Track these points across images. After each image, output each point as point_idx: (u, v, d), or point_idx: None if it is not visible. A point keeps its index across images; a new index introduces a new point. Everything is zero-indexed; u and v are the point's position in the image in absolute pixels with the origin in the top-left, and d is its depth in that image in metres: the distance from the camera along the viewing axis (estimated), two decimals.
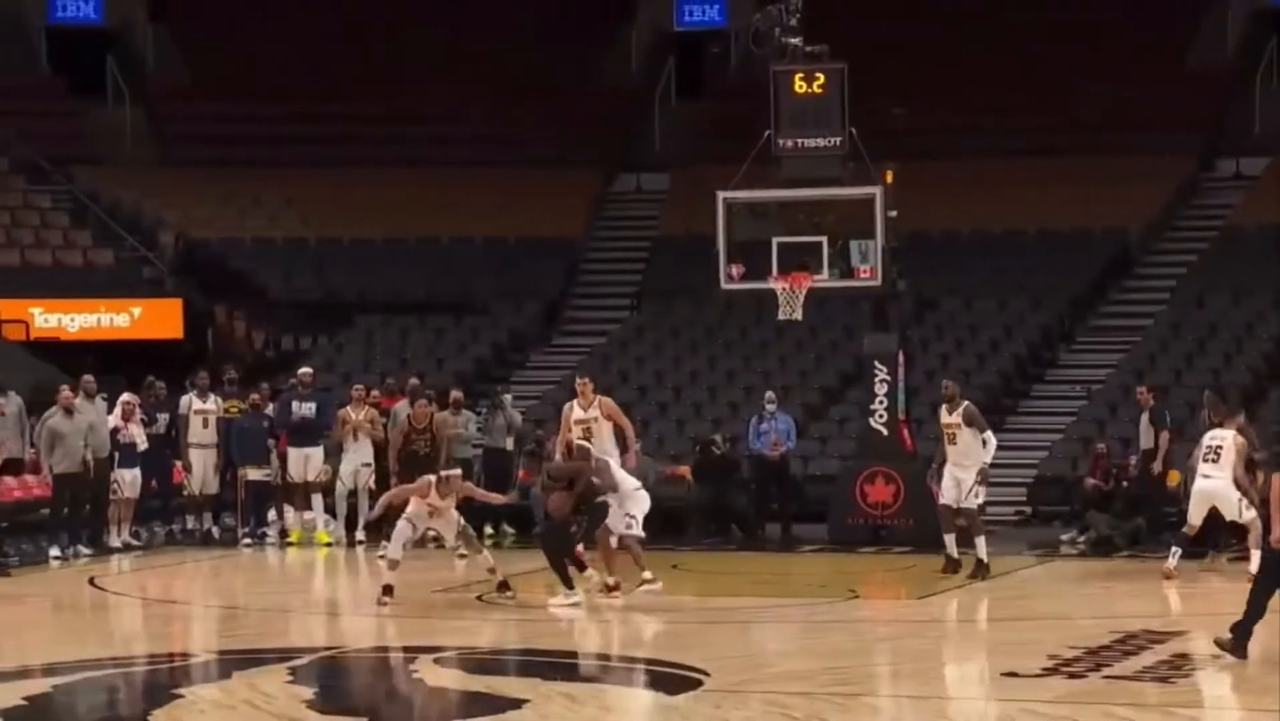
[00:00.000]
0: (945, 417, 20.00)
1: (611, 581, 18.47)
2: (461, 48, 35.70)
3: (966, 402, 20.17)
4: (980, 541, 19.75)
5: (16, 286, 30.68)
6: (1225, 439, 19.20)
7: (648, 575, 18.34)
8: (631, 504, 18.54)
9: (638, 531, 18.52)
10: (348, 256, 32.70)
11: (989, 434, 19.88)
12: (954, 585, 20.03)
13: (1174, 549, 19.43)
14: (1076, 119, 32.13)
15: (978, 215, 31.04)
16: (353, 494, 23.65)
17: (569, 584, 18.16)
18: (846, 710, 13.03)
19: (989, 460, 19.91)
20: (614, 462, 19.01)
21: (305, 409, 23.72)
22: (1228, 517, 19.38)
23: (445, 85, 35.08)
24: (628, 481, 18.73)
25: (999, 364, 28.61)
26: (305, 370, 24.80)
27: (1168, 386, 26.89)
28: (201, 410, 23.90)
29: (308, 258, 32.73)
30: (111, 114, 35.80)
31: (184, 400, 23.96)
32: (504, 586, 18.43)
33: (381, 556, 21.26)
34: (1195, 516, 19.36)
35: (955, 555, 19.82)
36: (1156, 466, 22.38)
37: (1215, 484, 19.06)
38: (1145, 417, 22.85)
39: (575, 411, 19.94)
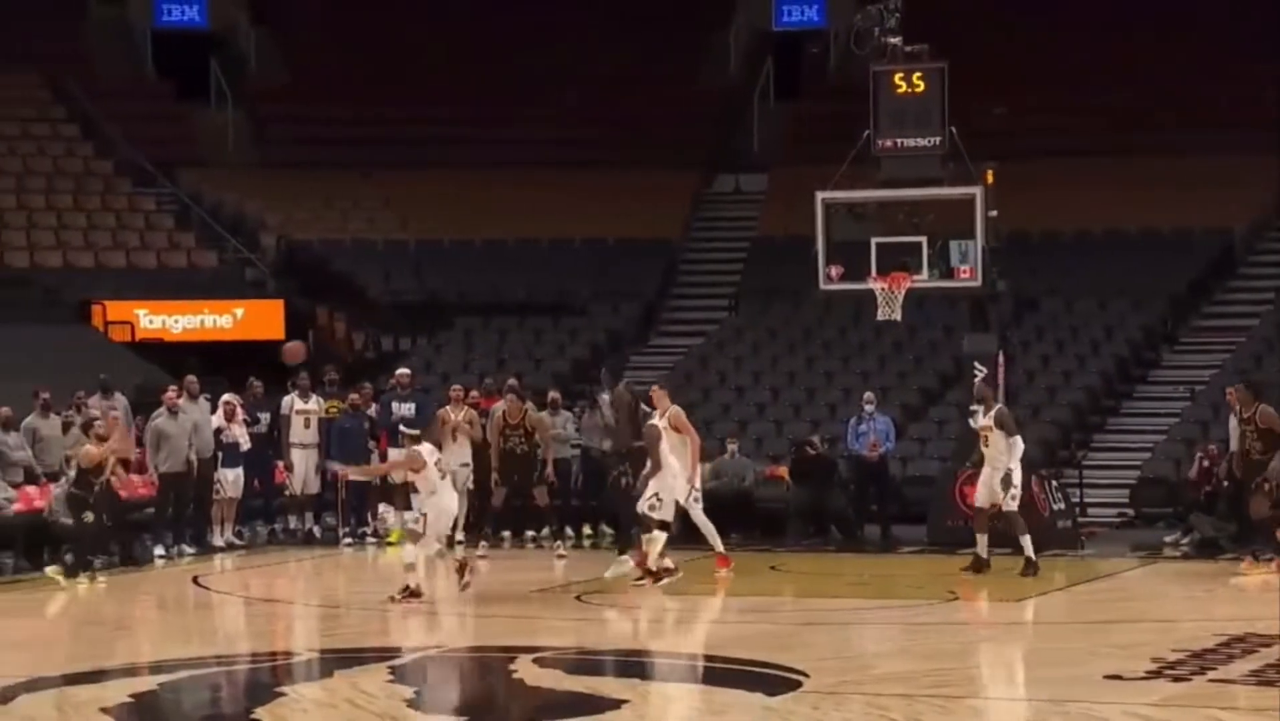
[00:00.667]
0: (980, 420, 20.13)
1: (669, 564, 18.79)
2: (561, 49, 35.80)
3: (999, 405, 20.47)
4: (1026, 540, 19.86)
5: (123, 288, 31.03)
6: None
7: (667, 564, 18.75)
8: (663, 488, 18.71)
9: (661, 515, 18.75)
10: (447, 258, 32.86)
11: (1017, 438, 20.15)
12: (1054, 587, 19.90)
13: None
14: (1179, 118, 31.83)
15: (1079, 215, 30.81)
16: None
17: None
18: (947, 712, 12.96)
19: (1014, 465, 20.08)
20: (673, 459, 18.97)
21: (404, 409, 23.85)
22: None
23: (544, 86, 35.19)
24: (672, 465, 18.74)
25: (1100, 365, 28.39)
26: (403, 371, 24.94)
27: (1277, 385, 26.57)
28: (303, 410, 24.08)
29: (407, 259, 32.92)
30: (215, 116, 36.17)
31: (285, 400, 24.15)
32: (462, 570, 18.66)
33: (482, 556, 21.41)
34: None
35: (984, 556, 19.98)
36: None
37: None
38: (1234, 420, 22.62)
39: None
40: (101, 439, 20.34)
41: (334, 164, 33.71)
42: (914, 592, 19.62)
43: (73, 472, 20.46)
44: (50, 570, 20.22)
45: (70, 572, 20.00)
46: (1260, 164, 30.59)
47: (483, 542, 22.48)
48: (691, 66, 36.23)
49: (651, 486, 19.00)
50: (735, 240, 33.41)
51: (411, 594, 18.28)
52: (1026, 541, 19.92)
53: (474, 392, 24.75)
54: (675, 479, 19.06)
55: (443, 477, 18.69)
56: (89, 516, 20.16)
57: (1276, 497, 19.92)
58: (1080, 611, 17.62)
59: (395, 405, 23.93)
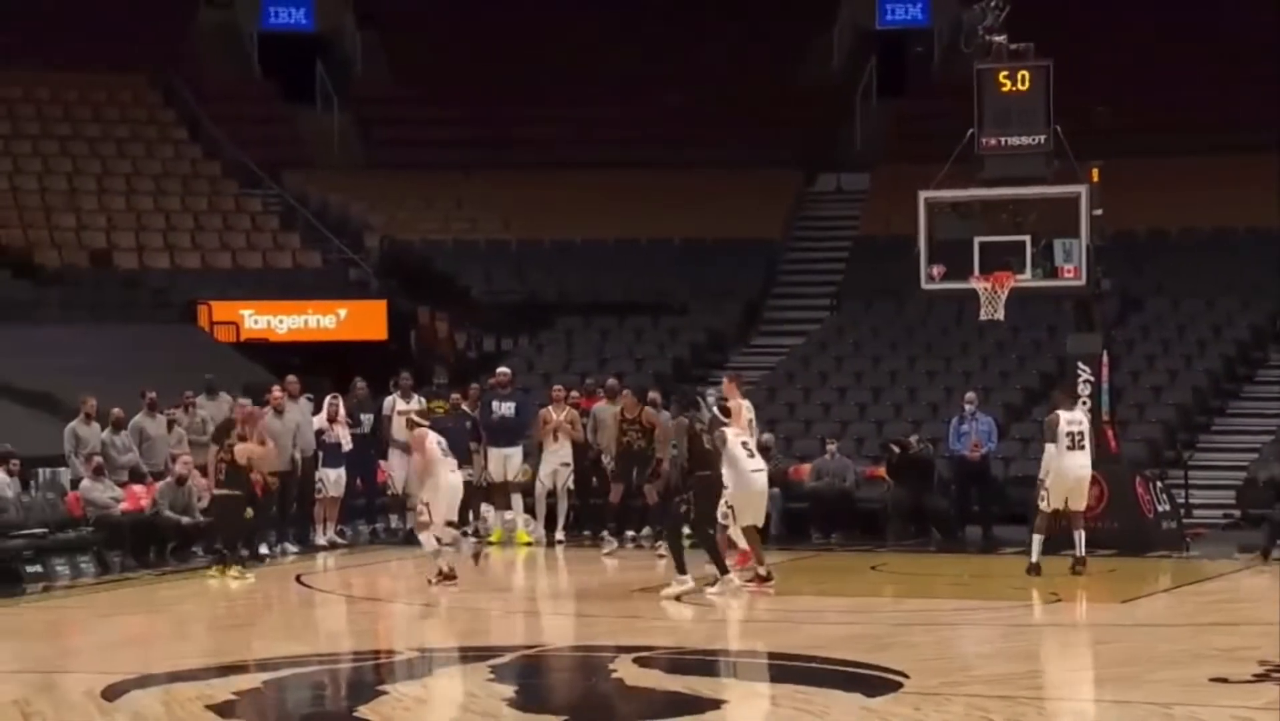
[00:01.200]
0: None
1: (762, 571, 18.64)
2: (664, 47, 35.83)
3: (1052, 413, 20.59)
4: (1035, 540, 20.00)
5: (228, 288, 31.34)
6: None
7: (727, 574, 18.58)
8: (733, 496, 18.51)
9: (740, 522, 18.65)
10: (548, 257, 32.96)
11: (1050, 445, 20.25)
12: (1159, 589, 19.72)
13: None
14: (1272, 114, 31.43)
15: (1185, 213, 30.53)
16: (552, 494, 23.83)
17: (681, 567, 18.31)
18: (1047, 715, 12.88)
19: (1043, 474, 20.31)
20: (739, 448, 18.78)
21: (505, 409, 23.94)
22: None
23: (647, 85, 35.24)
24: (743, 461, 18.54)
25: (1207, 364, 28.10)
26: (503, 370, 25.05)
27: None
28: (405, 410, 24.18)
29: (509, 259, 33.04)
30: (320, 118, 36.48)
31: (387, 401, 24.29)
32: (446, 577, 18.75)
33: (609, 554, 21.47)
34: None
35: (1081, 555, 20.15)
36: None
37: None
38: None
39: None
40: (243, 438, 20.58)
41: (436, 165, 33.92)
42: (1015, 594, 19.50)
43: (218, 470, 20.63)
44: (212, 571, 20.45)
45: (231, 562, 20.24)
46: None
47: (619, 540, 22.67)
48: (795, 65, 36.17)
49: (723, 498, 18.66)
50: (837, 239, 33.32)
51: (445, 577, 18.68)
52: (1035, 541, 20.12)
53: (574, 393, 24.84)
54: (753, 473, 18.83)
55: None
56: (249, 512, 20.53)
57: None
58: (1185, 614, 17.46)
59: (495, 404, 24.03)
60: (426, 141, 34.62)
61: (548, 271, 32.57)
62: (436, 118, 35.18)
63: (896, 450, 24.41)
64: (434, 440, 19.18)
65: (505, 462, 23.80)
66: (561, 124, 34.70)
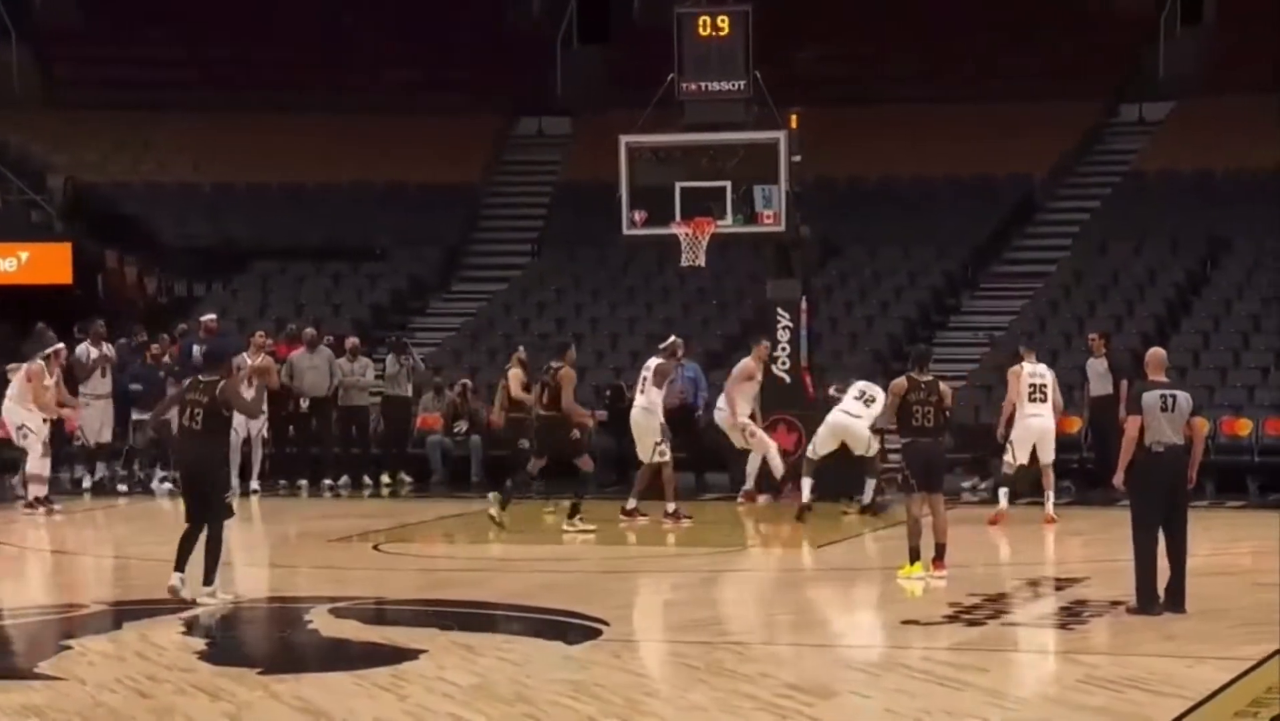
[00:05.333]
0: None
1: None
2: None
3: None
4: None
5: None
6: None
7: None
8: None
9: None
10: (243, 202, 32.20)
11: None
12: (854, 533, 19.96)
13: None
14: (982, 65, 32.05)
15: (884, 161, 30.90)
16: (246, 442, 23.28)
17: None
18: (746, 659, 12.88)
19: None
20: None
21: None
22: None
23: (342, 28, 34.57)
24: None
25: (903, 311, 28.53)
26: (210, 316, 24.46)
27: (1070, 334, 26.92)
28: (99, 359, 23.49)
29: (201, 202, 32.19)
30: None
31: (81, 349, 23.51)
32: None
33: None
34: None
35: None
36: (1122, 412, 22.38)
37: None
38: (1102, 364, 22.84)
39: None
40: None
41: (124, 105, 32.81)
42: (717, 539, 19.57)
43: None
44: None
45: None
46: (1058, 110, 30.93)
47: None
48: (495, 8, 35.79)
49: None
50: (539, 185, 33.10)
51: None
52: (868, 485, 20.60)
53: (269, 340, 24.35)
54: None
55: None
56: None
57: None
58: (880, 557, 17.67)
59: (196, 349, 23.36)
60: (114, 80, 33.48)
61: (243, 216, 31.82)
62: (123, 56, 34.05)
63: (609, 396, 24.35)
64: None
65: None
66: (257, 65, 33.87)
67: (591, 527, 19.45)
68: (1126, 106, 32.33)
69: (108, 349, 23.71)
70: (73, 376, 23.36)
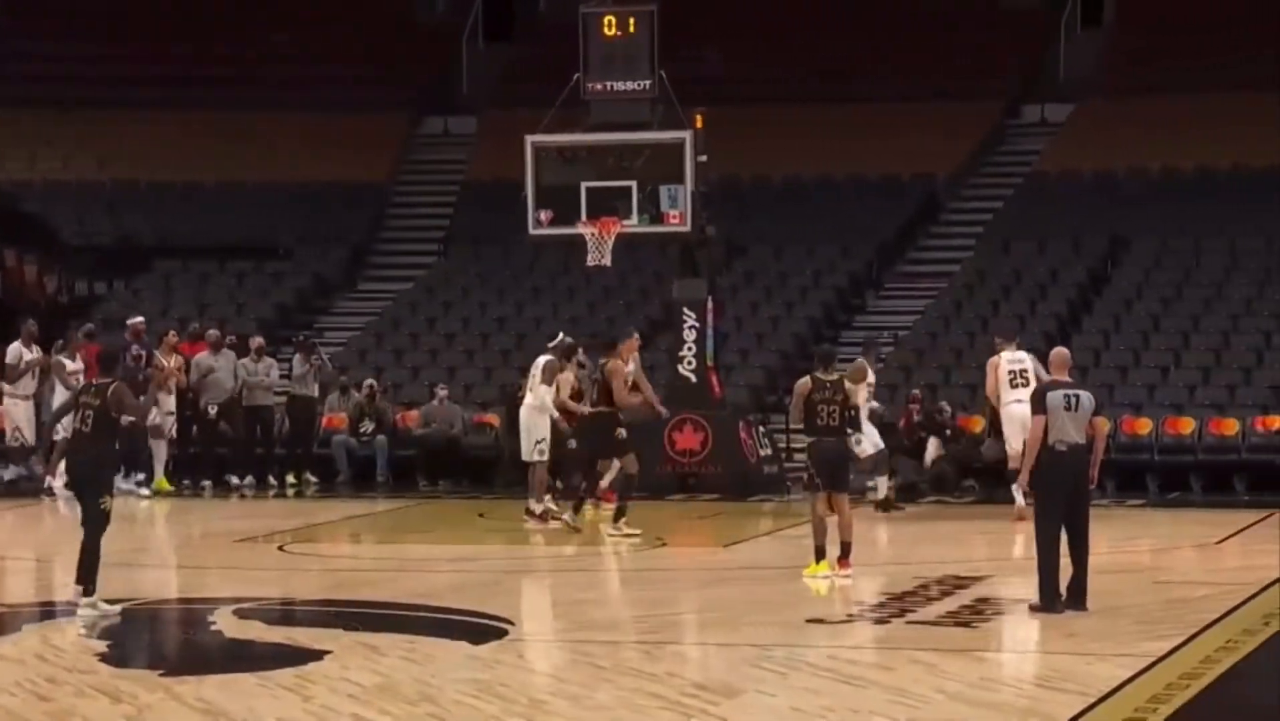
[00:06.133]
0: None
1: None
2: None
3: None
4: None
5: None
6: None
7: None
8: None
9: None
10: (145, 200, 31.95)
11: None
12: (760, 532, 20.03)
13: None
14: (886, 65, 32.21)
15: (789, 161, 31.01)
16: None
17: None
18: (653, 659, 12.90)
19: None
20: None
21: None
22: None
23: (248, 24, 34.33)
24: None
25: (808, 310, 28.65)
26: (137, 319, 24.26)
27: (974, 333, 27.12)
28: (30, 360, 23.29)
29: (103, 201, 31.90)
30: None
31: (13, 348, 23.27)
32: None
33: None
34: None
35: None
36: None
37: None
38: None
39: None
40: None
41: (24, 101, 32.46)
42: (621, 539, 19.57)
43: None
44: None
45: None
46: (962, 111, 31.15)
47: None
48: (401, 5, 35.65)
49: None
50: (445, 184, 33.01)
51: None
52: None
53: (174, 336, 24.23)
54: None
55: None
56: None
57: None
58: (785, 556, 17.71)
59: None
60: (14, 78, 33.12)
61: (145, 214, 31.56)
62: (25, 51, 33.69)
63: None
64: None
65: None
66: (160, 61, 33.58)
67: (637, 531, 18.94)
68: (1029, 107, 32.60)
69: (37, 351, 23.48)
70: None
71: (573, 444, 20.36)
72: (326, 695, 11.64)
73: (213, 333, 24.62)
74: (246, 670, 12.46)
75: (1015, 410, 19.79)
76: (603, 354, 19.65)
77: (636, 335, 20.39)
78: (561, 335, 21.22)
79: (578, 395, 19.95)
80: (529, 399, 20.20)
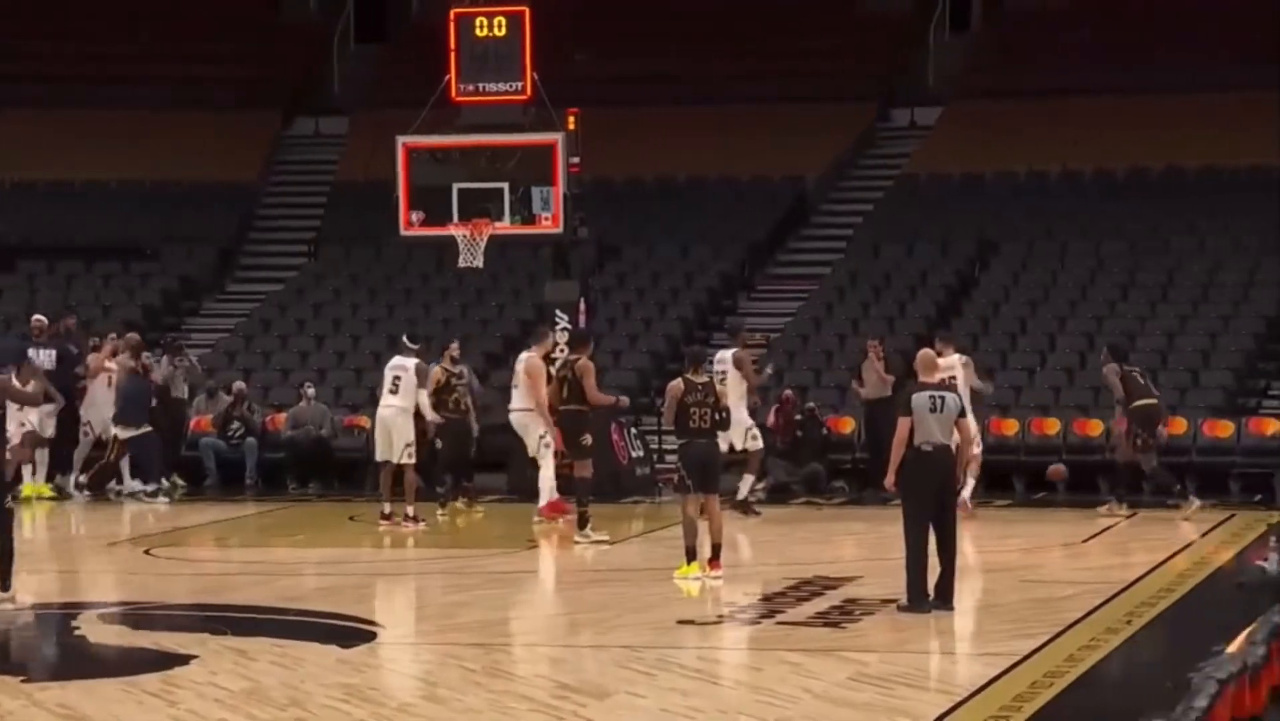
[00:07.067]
0: None
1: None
2: None
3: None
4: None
5: None
6: None
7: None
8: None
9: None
10: (8, 200, 31.50)
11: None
12: (632, 534, 20.05)
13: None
14: (757, 67, 32.33)
15: (661, 162, 31.07)
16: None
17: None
18: (524, 661, 12.89)
19: None
20: None
21: (44, 356, 22.74)
22: None
23: (116, 21, 33.93)
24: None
25: (680, 312, 28.71)
26: (38, 317, 23.87)
27: (845, 335, 27.30)
28: None
29: None
30: None
31: None
32: None
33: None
34: None
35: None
36: None
37: None
38: (881, 367, 22.96)
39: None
40: None
41: None
42: (493, 541, 19.54)
43: None
44: None
45: None
46: (832, 113, 31.33)
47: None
48: (270, 5, 35.38)
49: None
50: (315, 184, 32.78)
51: None
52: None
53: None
54: None
55: None
56: None
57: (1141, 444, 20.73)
58: (656, 558, 17.74)
59: (33, 352, 22.70)
60: None
61: (8, 214, 31.10)
62: None
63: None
64: None
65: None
66: (24, 59, 33.11)
67: (605, 537, 18.80)
68: (898, 111, 32.84)
69: None
70: None
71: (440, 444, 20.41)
72: (193, 700, 11.54)
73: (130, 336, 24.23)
74: (111, 675, 12.34)
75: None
76: (574, 350, 19.59)
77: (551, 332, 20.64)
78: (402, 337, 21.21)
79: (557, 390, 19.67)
80: (395, 401, 20.13)
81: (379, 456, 20.27)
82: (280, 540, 20.01)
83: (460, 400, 21.16)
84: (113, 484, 22.94)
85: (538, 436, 20.05)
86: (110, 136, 31.55)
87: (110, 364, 23.10)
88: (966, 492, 20.13)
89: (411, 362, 20.26)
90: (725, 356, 20.71)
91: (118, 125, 31.69)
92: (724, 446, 20.10)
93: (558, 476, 20.11)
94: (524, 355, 20.52)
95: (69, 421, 22.97)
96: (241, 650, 13.09)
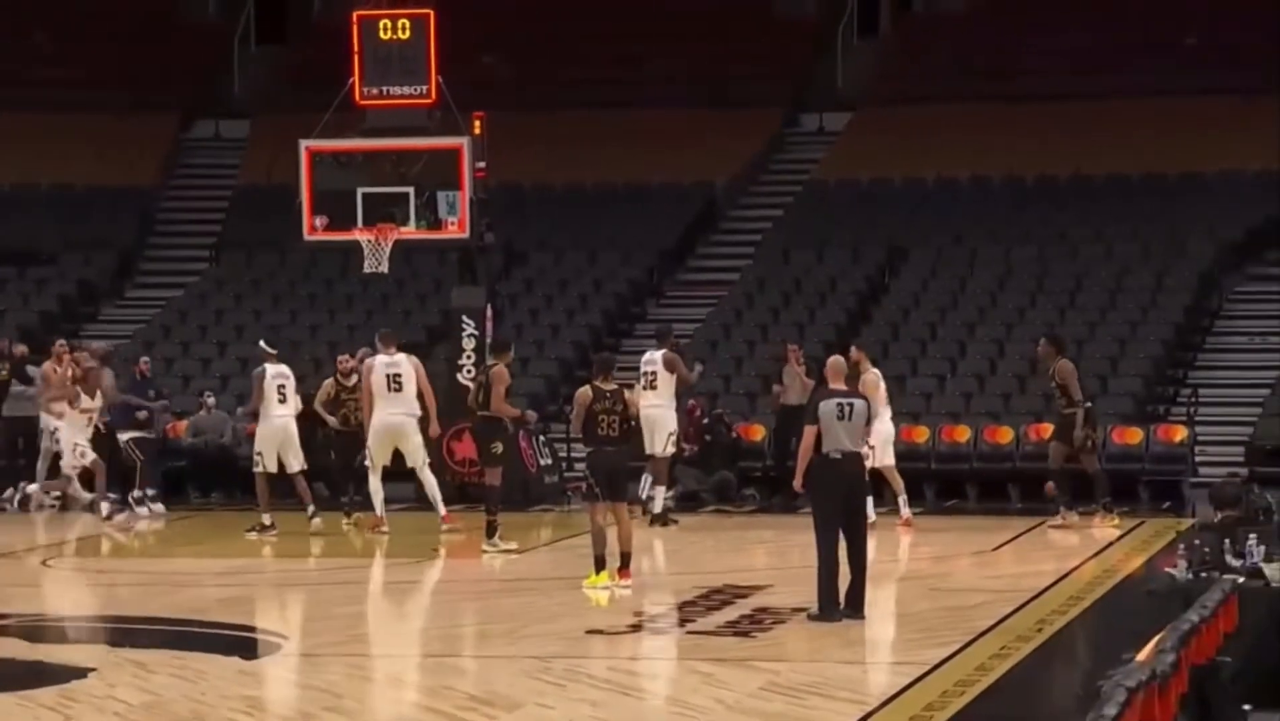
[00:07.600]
0: None
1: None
2: None
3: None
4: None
5: None
6: None
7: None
8: None
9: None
10: None
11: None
12: (540, 543, 19.86)
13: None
14: (665, 72, 32.22)
15: (569, 167, 30.88)
16: None
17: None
18: (431, 671, 12.68)
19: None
20: None
21: None
22: None
23: (7, 21, 33.38)
24: None
25: (588, 318, 28.55)
26: None
27: (754, 341, 27.20)
28: None
29: None
30: None
31: None
32: None
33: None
34: None
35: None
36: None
37: None
38: (800, 372, 22.78)
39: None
40: None
41: None
42: (399, 551, 19.31)
43: None
44: None
45: None
46: (741, 118, 31.27)
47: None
48: (167, 4, 34.92)
49: None
50: (216, 188, 32.39)
51: None
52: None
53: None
54: None
55: None
56: None
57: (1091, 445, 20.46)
58: (564, 567, 17.57)
59: None
60: None
61: None
62: None
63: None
64: None
65: None
66: None
67: (514, 546, 18.54)
68: (807, 116, 32.80)
69: None
70: None
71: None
72: (91, 714, 11.30)
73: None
74: (6, 690, 12.04)
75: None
76: (493, 356, 19.39)
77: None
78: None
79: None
80: (285, 409, 19.98)
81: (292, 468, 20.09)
82: (181, 550, 19.69)
83: (350, 415, 20.89)
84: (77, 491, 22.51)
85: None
86: (3, 139, 31.02)
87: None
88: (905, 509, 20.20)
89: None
90: (655, 358, 20.67)
91: (11, 127, 31.15)
92: (650, 448, 20.27)
93: (464, 486, 20.01)
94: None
95: None
96: (141, 662, 12.83)
